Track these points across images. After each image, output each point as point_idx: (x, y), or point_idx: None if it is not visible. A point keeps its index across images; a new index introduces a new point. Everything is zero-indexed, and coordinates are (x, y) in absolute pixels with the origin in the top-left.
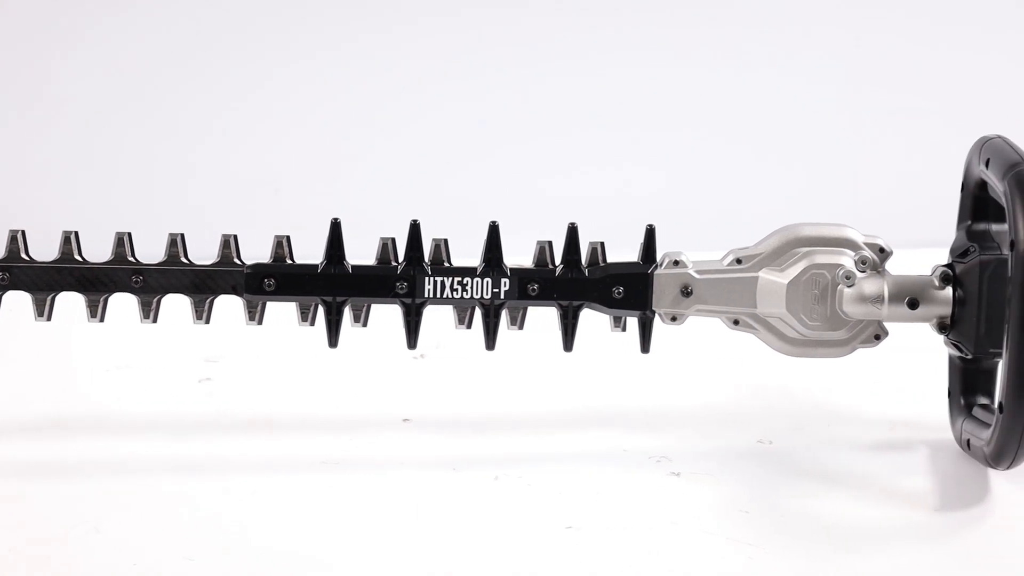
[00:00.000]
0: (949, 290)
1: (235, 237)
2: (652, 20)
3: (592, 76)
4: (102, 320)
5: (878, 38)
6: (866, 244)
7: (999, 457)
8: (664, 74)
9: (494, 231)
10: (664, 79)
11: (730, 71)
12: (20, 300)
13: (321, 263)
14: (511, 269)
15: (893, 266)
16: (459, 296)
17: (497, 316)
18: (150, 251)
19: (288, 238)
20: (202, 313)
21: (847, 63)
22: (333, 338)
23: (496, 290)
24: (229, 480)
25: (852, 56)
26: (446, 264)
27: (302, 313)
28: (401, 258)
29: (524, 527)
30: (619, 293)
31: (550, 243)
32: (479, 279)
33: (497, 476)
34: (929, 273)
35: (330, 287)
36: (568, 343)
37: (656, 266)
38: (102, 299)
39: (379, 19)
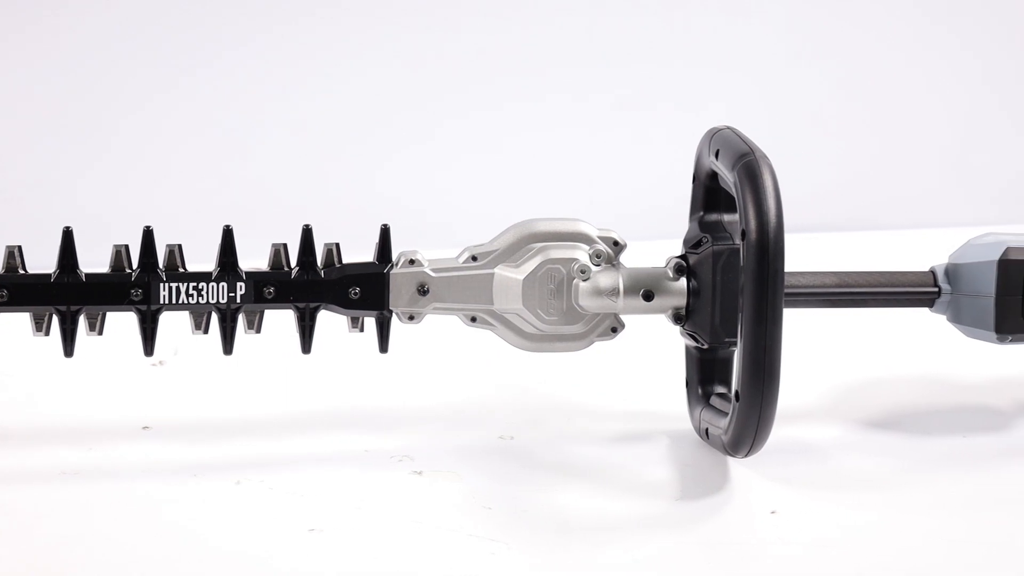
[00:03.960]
0: (683, 281)
1: None
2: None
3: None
4: None
5: (608, 30)
6: (600, 238)
7: (737, 445)
8: (395, 74)
9: (228, 235)
10: (397, 79)
11: (460, 64)
12: None
13: (54, 272)
14: (247, 273)
15: (628, 259)
16: (195, 301)
17: (234, 320)
18: None
19: (20, 248)
20: None
21: (575, 55)
22: (68, 347)
23: (232, 294)
24: None
25: (580, 48)
26: (181, 270)
27: (36, 323)
28: (136, 265)
29: (266, 531)
30: (356, 294)
31: (285, 245)
32: (215, 284)
33: (239, 481)
34: (663, 265)
35: (63, 296)
36: (306, 345)
37: (392, 265)
38: None
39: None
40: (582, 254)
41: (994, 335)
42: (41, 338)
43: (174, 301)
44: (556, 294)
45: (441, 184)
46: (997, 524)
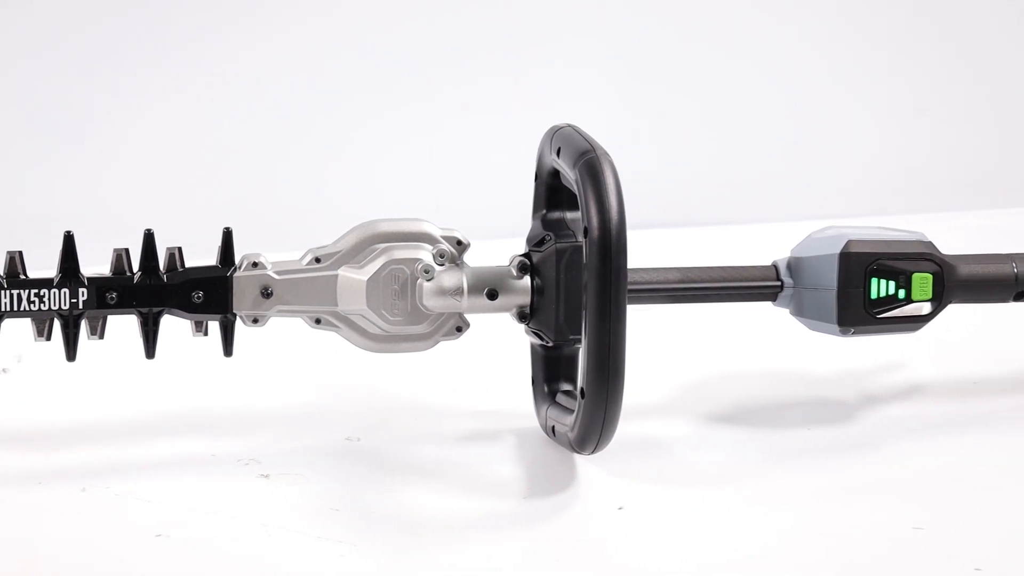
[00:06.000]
0: (527, 279)
1: None
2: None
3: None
4: None
5: (450, 30)
6: (443, 237)
7: (583, 442)
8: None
9: (69, 241)
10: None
11: (306, 67)
12: None
13: None
14: (88, 278)
15: (471, 258)
16: (37, 308)
17: (76, 326)
18: None
19: None
20: None
21: (417, 56)
22: None
23: (74, 300)
24: None
25: (422, 49)
26: (22, 276)
27: None
28: None
29: (112, 537)
30: (199, 297)
31: (127, 250)
32: (56, 290)
33: (84, 488)
34: (507, 263)
35: None
36: (150, 350)
37: (235, 269)
38: None
39: None
40: (426, 254)
41: (836, 328)
42: None
43: (16, 308)
44: (400, 294)
45: (286, 186)
46: (844, 514)
